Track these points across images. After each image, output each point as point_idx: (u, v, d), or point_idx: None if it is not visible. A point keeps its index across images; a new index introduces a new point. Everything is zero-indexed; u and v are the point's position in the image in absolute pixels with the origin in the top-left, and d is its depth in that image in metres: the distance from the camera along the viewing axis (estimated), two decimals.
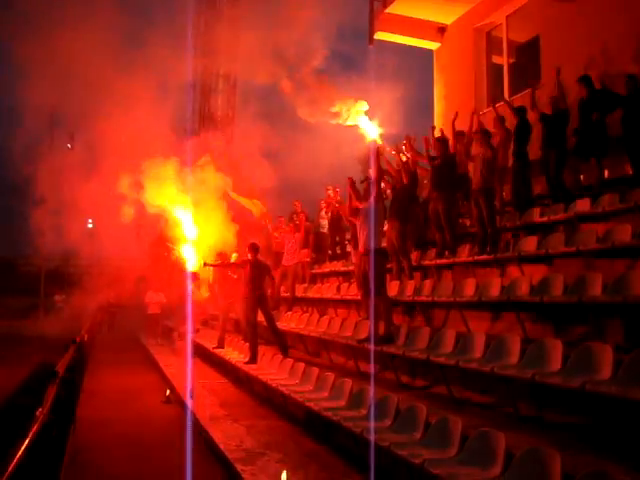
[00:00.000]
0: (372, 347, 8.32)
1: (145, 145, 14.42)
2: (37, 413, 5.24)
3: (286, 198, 17.48)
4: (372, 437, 5.79)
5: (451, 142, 11.62)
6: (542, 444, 4.57)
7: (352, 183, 10.20)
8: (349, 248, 13.70)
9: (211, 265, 13.04)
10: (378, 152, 10.82)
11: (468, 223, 11.37)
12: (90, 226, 24.75)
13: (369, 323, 9.02)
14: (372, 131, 12.36)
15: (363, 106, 12.49)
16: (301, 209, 15.95)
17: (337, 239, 15.89)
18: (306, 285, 14.96)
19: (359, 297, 10.46)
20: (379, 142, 12.15)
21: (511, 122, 11.04)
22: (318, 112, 12.89)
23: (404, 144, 12.06)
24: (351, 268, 12.58)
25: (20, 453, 3.95)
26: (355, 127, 12.52)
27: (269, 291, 12.16)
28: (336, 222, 15.36)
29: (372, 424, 6.06)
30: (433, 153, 11.34)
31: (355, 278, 11.21)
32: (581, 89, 10.01)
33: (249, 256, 11.88)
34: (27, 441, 4.24)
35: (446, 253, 10.53)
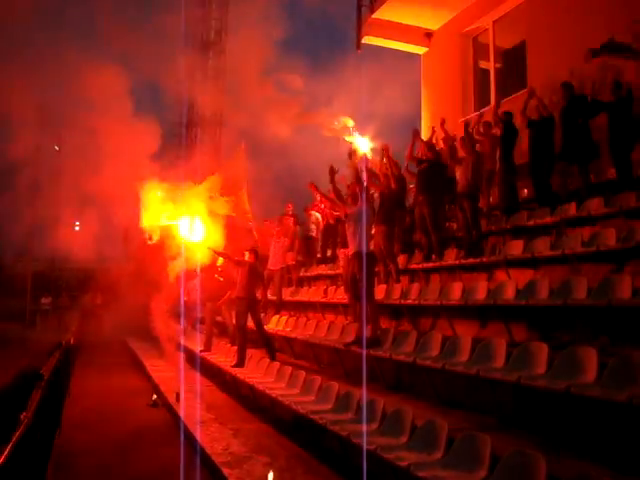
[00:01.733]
0: (364, 350, 8.33)
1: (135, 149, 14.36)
2: (21, 417, 5.21)
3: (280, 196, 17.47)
4: (359, 440, 5.80)
5: (439, 146, 11.71)
6: (527, 447, 4.59)
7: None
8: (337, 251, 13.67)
9: (214, 251, 12.84)
10: (364, 160, 10.95)
11: (455, 227, 11.42)
12: (77, 228, 24.62)
13: (356, 326, 9.04)
14: (363, 145, 12.33)
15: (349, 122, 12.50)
16: (292, 212, 15.86)
17: (329, 243, 15.72)
18: (293, 288, 14.95)
19: (346, 300, 10.47)
20: (369, 156, 12.16)
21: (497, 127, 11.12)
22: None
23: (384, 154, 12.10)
24: (338, 271, 12.60)
25: (4, 457, 3.92)
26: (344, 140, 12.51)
27: (259, 296, 12.11)
28: (328, 227, 15.10)
29: (364, 427, 6.07)
30: (423, 156, 11.38)
31: (343, 281, 11.23)
32: (563, 95, 10.07)
33: (248, 258, 11.87)
34: (11, 445, 4.21)
35: (433, 257, 10.56)
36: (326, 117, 12.79)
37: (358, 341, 8.77)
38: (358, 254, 8.84)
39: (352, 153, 12.10)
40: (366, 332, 8.72)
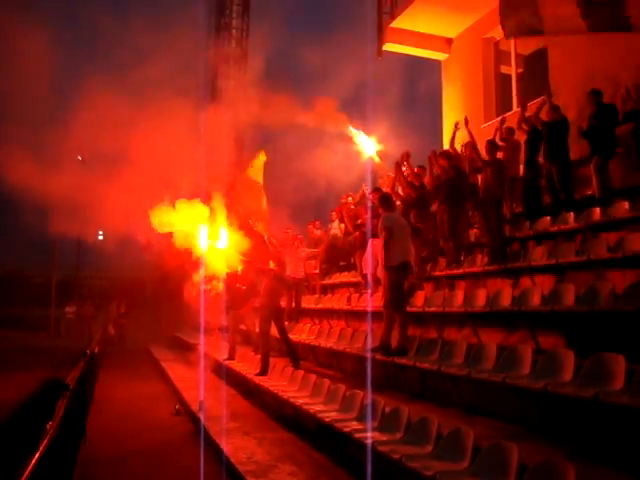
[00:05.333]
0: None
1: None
2: (48, 426, 5.25)
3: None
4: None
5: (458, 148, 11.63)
6: (555, 456, 4.54)
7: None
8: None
9: (241, 258, 12.86)
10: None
11: (478, 233, 11.34)
12: (100, 238, 24.80)
13: (381, 333, 8.97)
14: (369, 148, 12.14)
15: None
16: (293, 233, 15.74)
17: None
18: (317, 296, 14.94)
19: (370, 308, 10.42)
20: (377, 159, 12.01)
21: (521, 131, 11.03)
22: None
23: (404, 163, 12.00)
24: (360, 279, 12.61)
25: (31, 466, 3.95)
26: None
27: (284, 304, 12.12)
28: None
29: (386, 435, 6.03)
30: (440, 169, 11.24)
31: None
32: (591, 103, 9.93)
33: (273, 266, 11.93)
34: (38, 454, 4.24)
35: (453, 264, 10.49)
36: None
37: (384, 348, 8.73)
38: (389, 266, 8.76)
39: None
40: (393, 341, 8.69)
